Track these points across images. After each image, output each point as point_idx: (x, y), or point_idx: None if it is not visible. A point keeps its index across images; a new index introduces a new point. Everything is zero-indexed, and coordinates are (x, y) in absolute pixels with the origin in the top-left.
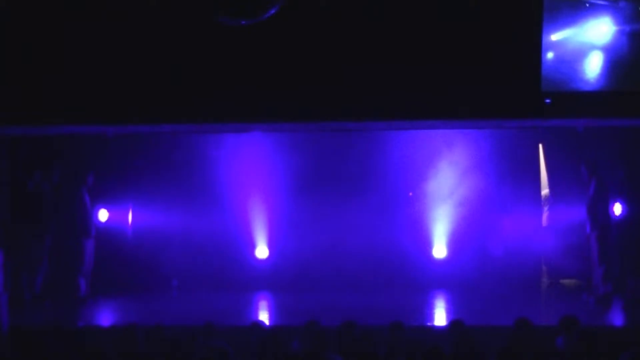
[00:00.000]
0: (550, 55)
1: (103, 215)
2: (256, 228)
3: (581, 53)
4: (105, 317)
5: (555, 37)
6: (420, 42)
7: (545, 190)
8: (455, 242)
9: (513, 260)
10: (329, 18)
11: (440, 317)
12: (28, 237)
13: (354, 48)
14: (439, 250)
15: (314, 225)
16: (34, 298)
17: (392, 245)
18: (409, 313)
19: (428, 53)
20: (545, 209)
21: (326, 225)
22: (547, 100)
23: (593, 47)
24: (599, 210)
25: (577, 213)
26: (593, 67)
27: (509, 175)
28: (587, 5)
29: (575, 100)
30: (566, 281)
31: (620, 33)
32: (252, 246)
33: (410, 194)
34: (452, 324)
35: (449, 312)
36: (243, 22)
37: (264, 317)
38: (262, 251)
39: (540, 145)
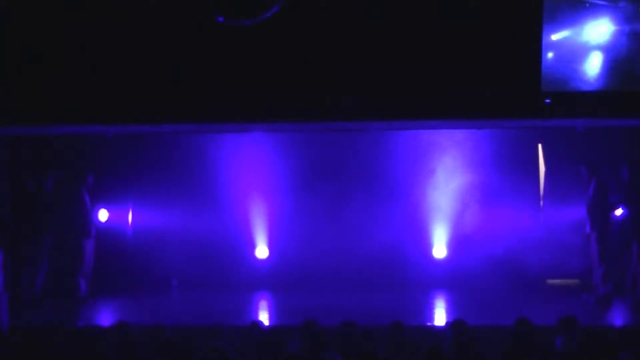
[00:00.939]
0: (550, 55)
1: (103, 215)
2: (256, 228)
3: (581, 53)
4: (105, 317)
5: (555, 37)
6: (420, 42)
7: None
8: (455, 242)
9: (513, 260)
10: (329, 18)
11: (440, 317)
12: (28, 237)
13: (354, 48)
14: (439, 250)
15: (314, 225)
16: (34, 298)
17: (392, 245)
18: (409, 313)
19: (428, 53)
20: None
21: (326, 225)
22: (547, 100)
23: (593, 47)
24: (599, 210)
25: (576, 213)
26: (593, 67)
27: (509, 175)
28: (587, 5)
29: (575, 100)
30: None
31: (620, 33)
32: (252, 246)
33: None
34: (452, 324)
35: (449, 312)
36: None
37: (263, 317)
38: (262, 251)
39: (540, 145)
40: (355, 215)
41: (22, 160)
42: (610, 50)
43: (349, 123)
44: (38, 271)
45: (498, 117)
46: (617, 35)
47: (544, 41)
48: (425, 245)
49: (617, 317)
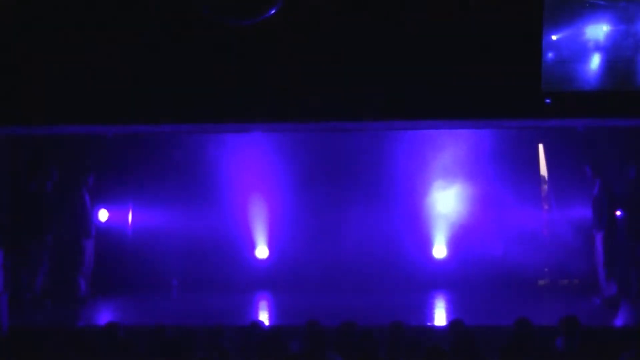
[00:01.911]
0: (550, 55)
1: (103, 215)
2: (256, 228)
3: (581, 53)
4: (105, 317)
5: (555, 37)
6: (420, 42)
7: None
8: (455, 242)
9: (513, 260)
10: (329, 18)
11: (440, 317)
12: (28, 237)
13: (354, 48)
14: (439, 250)
15: (314, 225)
16: (34, 298)
17: (392, 245)
18: (409, 313)
19: (428, 53)
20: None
21: (326, 225)
22: (547, 100)
23: (593, 47)
24: (604, 211)
25: (579, 213)
26: (593, 67)
27: (509, 175)
28: (587, 5)
29: (575, 100)
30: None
31: (620, 33)
32: (252, 246)
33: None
34: (452, 323)
35: (449, 312)
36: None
37: (264, 317)
38: (262, 251)
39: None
40: (355, 215)
41: (22, 160)
42: (610, 50)
43: (349, 123)
44: (38, 271)
45: (498, 117)
46: (616, 35)
47: (544, 41)
48: (425, 245)
49: (620, 318)
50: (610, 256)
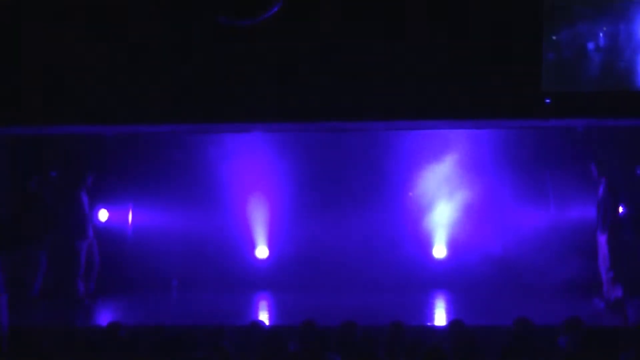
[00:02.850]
0: (550, 55)
1: (103, 215)
2: (256, 228)
3: (581, 53)
4: (105, 317)
5: (555, 37)
6: (420, 42)
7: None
8: (455, 242)
9: (513, 260)
10: (329, 18)
11: (440, 317)
12: (28, 238)
13: (354, 48)
14: (439, 250)
15: (314, 225)
16: (34, 298)
17: (392, 245)
18: (409, 313)
19: (428, 53)
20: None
21: (326, 225)
22: (547, 100)
23: (593, 47)
24: (609, 211)
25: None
26: (593, 67)
27: (509, 175)
28: (588, 5)
29: (575, 100)
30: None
31: (620, 33)
32: (252, 246)
33: (411, 194)
34: (452, 324)
35: (449, 312)
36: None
37: (264, 317)
38: (262, 251)
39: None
40: (356, 215)
41: (22, 160)
42: (609, 51)
43: (349, 123)
44: (38, 272)
45: (498, 117)
46: (616, 35)
47: (544, 41)
48: (425, 245)
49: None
50: (615, 258)
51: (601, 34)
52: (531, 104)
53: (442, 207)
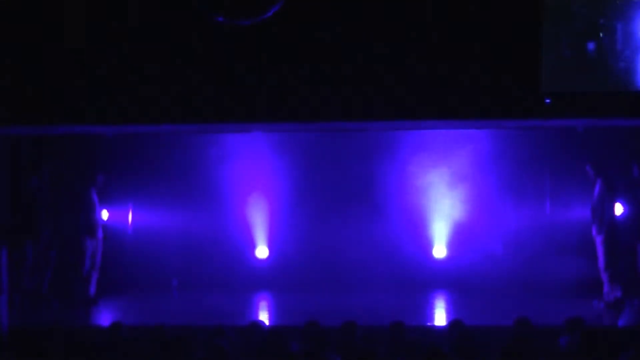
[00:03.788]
0: (550, 55)
1: (103, 215)
2: (256, 228)
3: (581, 53)
4: (106, 317)
5: (555, 37)
6: (420, 42)
7: None
8: (455, 242)
9: (513, 260)
10: (329, 18)
11: (440, 317)
12: (28, 237)
13: (353, 48)
14: (439, 250)
15: (314, 225)
16: (36, 298)
17: (392, 245)
18: (409, 313)
19: (428, 53)
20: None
21: (326, 225)
22: (547, 100)
23: (593, 47)
24: (605, 212)
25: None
26: (593, 67)
27: (509, 175)
28: (587, 5)
29: (575, 100)
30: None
31: (619, 32)
32: (252, 246)
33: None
34: (452, 324)
35: (449, 312)
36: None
37: (264, 317)
38: (262, 251)
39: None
40: (356, 215)
41: (22, 160)
42: (610, 50)
43: (349, 123)
44: (39, 271)
45: (498, 117)
46: (617, 35)
47: (544, 41)
48: (425, 245)
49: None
50: (612, 258)
51: (601, 34)
52: (531, 104)
53: (442, 207)
